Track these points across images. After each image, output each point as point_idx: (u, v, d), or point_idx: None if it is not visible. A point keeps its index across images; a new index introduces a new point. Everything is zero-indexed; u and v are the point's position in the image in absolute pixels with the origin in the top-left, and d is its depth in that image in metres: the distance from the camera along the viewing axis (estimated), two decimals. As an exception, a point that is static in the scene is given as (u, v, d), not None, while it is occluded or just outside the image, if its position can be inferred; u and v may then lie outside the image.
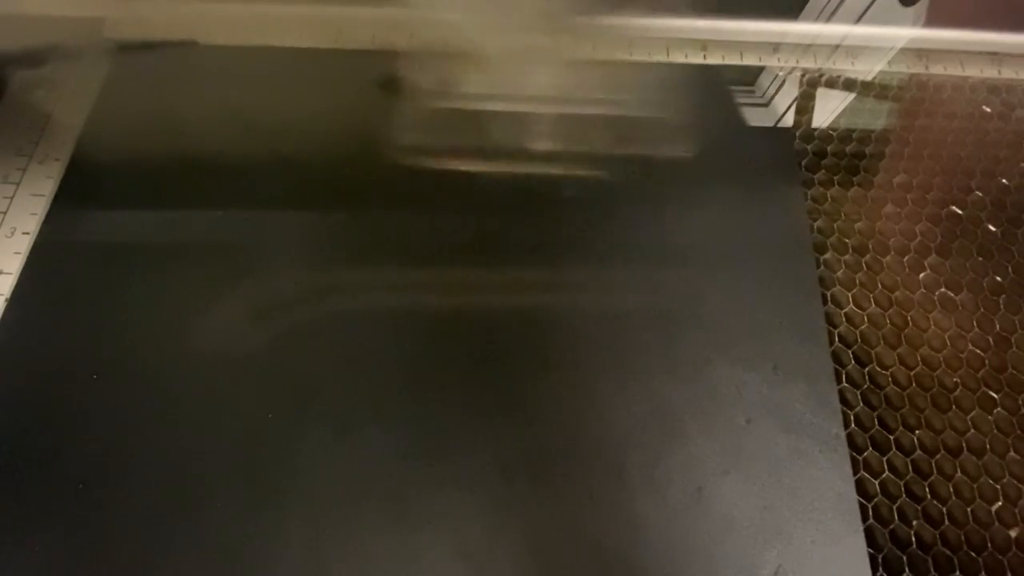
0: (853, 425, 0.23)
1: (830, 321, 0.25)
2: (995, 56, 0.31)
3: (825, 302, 0.25)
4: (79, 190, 0.26)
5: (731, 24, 0.30)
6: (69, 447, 0.21)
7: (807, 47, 0.30)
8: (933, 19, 0.31)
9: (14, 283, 0.24)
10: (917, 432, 0.23)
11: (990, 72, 0.30)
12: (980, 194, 0.28)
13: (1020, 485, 0.22)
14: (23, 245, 0.25)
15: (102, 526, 0.20)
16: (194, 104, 0.29)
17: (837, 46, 0.31)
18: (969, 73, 0.30)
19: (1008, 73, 0.30)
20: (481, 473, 0.21)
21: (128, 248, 0.25)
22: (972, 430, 0.23)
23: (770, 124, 0.29)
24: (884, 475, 0.22)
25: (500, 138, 0.28)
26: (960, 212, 0.27)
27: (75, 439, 0.21)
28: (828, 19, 0.31)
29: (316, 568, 0.20)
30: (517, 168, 0.27)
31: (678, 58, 0.30)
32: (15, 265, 0.24)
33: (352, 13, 0.29)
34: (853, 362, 0.24)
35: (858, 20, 0.31)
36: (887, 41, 0.30)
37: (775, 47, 0.31)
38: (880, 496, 0.22)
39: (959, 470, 0.22)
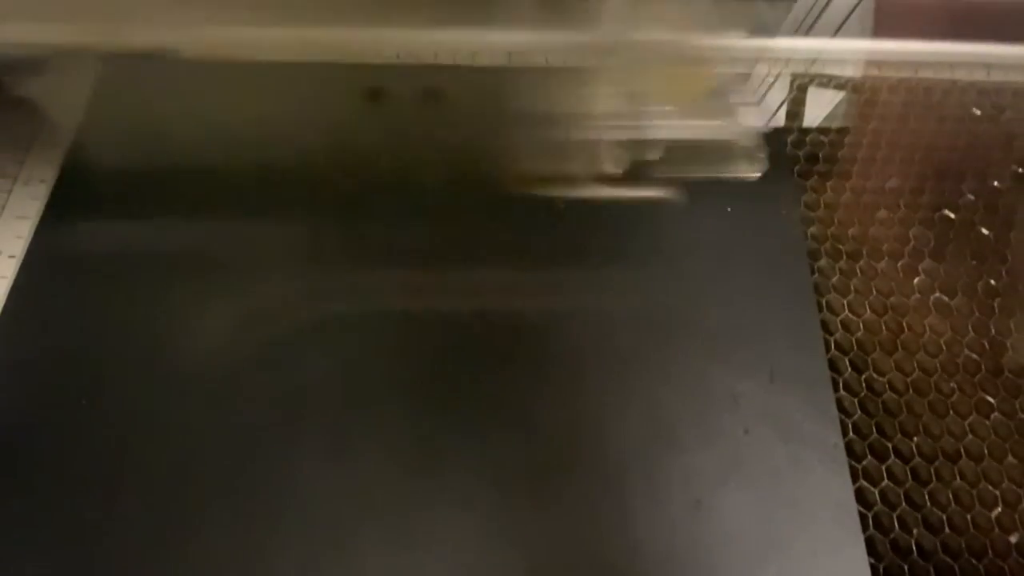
0: (851, 433, 0.23)
1: (826, 328, 0.24)
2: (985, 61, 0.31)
3: (820, 309, 0.25)
4: (65, 212, 0.26)
5: (708, 41, 0.30)
6: (60, 469, 0.21)
7: (787, 61, 0.30)
8: (881, 30, 0.31)
9: (1, 306, 0.24)
10: (915, 439, 0.23)
11: (979, 75, 0.30)
12: (972, 197, 0.28)
13: (1019, 490, 0.22)
14: (9, 269, 0.24)
15: (95, 546, 0.20)
16: (180, 126, 0.28)
17: (814, 60, 0.31)
18: (958, 76, 0.30)
19: (997, 76, 0.30)
20: (478, 486, 0.21)
21: (115, 270, 0.25)
22: (970, 435, 0.23)
23: (762, 125, 0.29)
24: (883, 483, 0.22)
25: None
26: (953, 216, 0.27)
27: (66, 460, 0.21)
28: (808, 31, 0.31)
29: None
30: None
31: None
32: (1, 289, 0.24)
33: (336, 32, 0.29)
34: (850, 369, 0.24)
35: (837, 31, 0.30)
36: (866, 54, 0.30)
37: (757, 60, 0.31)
38: (880, 504, 0.22)
39: (958, 476, 0.22)
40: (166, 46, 0.26)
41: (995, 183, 0.28)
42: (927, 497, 0.22)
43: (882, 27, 0.30)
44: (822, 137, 0.29)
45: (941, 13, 0.30)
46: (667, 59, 0.23)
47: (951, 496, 0.22)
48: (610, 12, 0.24)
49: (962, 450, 0.23)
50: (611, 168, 0.24)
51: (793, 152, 0.29)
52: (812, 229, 0.27)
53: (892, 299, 0.25)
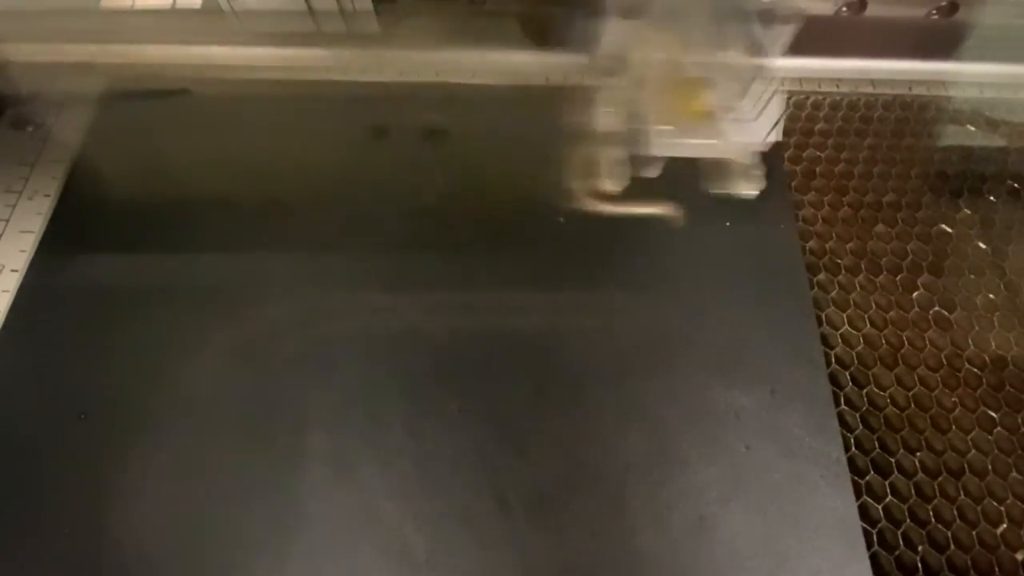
0: (854, 448, 0.23)
1: (826, 343, 0.24)
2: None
3: (820, 323, 0.25)
4: (69, 227, 0.26)
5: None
6: (55, 490, 0.21)
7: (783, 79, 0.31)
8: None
9: (2, 320, 0.24)
10: (918, 454, 0.23)
11: (971, 92, 0.31)
12: (968, 212, 0.28)
13: (1024, 506, 0.22)
14: (12, 283, 0.25)
15: (93, 563, 0.20)
16: (184, 140, 0.28)
17: (810, 78, 0.31)
18: (951, 93, 0.31)
19: (989, 93, 0.31)
20: (480, 506, 0.21)
21: (118, 284, 0.25)
22: (973, 450, 0.23)
23: (758, 141, 0.29)
24: (887, 499, 0.22)
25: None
26: (950, 230, 0.27)
27: (61, 482, 0.21)
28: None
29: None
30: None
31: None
32: (3, 303, 0.24)
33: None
34: (851, 384, 0.24)
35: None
36: (860, 72, 0.31)
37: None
38: (884, 521, 0.21)
39: (962, 492, 0.22)
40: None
41: (991, 198, 0.28)
42: (931, 513, 0.22)
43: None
44: (819, 153, 0.30)
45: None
46: (666, 78, 0.24)
47: (956, 512, 0.22)
48: (610, 33, 0.25)
49: (966, 466, 0.22)
50: (611, 186, 0.24)
51: (790, 167, 0.29)
52: (810, 244, 0.27)
53: (891, 313, 0.25)
